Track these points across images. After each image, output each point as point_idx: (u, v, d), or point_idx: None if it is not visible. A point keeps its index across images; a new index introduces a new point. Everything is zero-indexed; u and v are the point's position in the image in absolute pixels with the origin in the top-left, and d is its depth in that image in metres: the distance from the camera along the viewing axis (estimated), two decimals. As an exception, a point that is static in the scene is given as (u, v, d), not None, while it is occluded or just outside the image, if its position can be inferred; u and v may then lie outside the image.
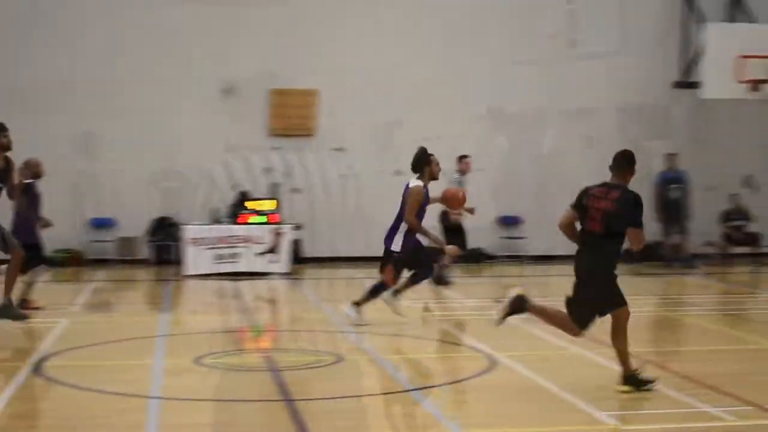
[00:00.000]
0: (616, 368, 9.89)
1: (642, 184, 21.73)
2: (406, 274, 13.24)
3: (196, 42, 21.64)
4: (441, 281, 16.88)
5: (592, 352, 11.27)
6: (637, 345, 11.94)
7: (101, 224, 21.39)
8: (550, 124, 22.66)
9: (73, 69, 21.31)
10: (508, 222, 22.50)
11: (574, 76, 22.81)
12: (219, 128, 21.64)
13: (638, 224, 9.08)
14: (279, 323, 14.80)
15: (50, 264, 16.12)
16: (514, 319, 13.61)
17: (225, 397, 9.07)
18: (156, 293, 18.01)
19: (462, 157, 18.36)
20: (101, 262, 21.10)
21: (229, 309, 15.42)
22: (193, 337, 12.56)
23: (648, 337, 13.13)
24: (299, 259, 20.93)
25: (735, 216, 22.42)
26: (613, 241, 9.13)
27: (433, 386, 9.49)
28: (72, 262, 20.75)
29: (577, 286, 9.40)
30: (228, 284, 18.14)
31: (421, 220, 13.11)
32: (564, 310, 9.50)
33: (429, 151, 13.48)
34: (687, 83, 22.73)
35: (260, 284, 18.47)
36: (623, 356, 9.32)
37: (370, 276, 19.31)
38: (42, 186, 14.72)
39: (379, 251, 21.68)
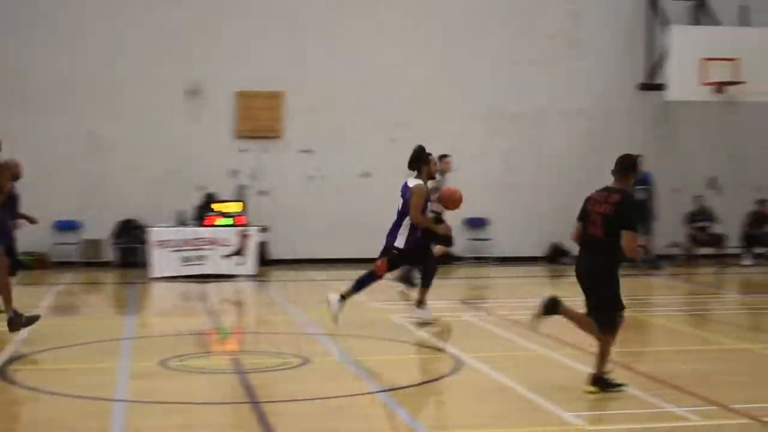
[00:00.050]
0: (583, 369, 9.92)
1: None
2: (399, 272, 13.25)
3: (161, 43, 21.57)
4: (408, 281, 16.88)
5: (558, 353, 11.30)
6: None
7: (66, 227, 21.26)
8: (515, 125, 22.69)
9: (36, 66, 21.20)
10: (475, 224, 22.53)
11: (539, 77, 22.88)
12: (184, 130, 21.57)
13: (632, 227, 9.06)
14: (245, 325, 14.76)
15: (23, 268, 15.99)
16: (480, 321, 13.68)
17: (191, 400, 9.02)
18: (121, 296, 17.92)
19: (442, 157, 18.36)
20: (66, 265, 20.96)
21: (195, 311, 15.36)
22: (158, 340, 12.51)
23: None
24: (266, 261, 20.89)
25: (700, 217, 22.56)
26: (613, 244, 9.11)
27: (400, 388, 9.48)
28: (37, 265, 20.60)
29: (588, 294, 9.38)
30: (194, 287, 18.07)
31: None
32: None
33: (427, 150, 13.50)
34: (652, 85, 22.85)
35: (226, 287, 18.41)
36: (602, 358, 9.30)
37: (337, 278, 19.35)
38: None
39: (347, 253, 21.88)
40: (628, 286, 19.08)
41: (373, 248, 21.76)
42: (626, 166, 9.48)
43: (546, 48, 22.99)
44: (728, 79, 21.44)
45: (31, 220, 14.93)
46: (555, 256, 22.65)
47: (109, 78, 21.38)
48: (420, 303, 13.57)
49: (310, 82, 21.94)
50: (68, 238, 21.28)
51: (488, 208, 22.30)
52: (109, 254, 21.42)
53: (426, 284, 13.57)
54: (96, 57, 21.43)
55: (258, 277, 19.36)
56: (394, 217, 13.35)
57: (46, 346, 11.61)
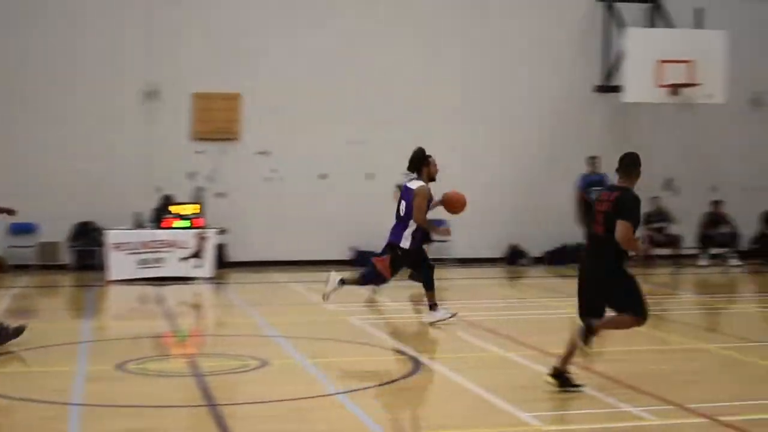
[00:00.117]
0: (539, 369, 9.98)
1: (565, 186, 22.08)
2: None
3: (118, 45, 21.45)
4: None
5: (516, 354, 11.35)
6: (559, 346, 12.06)
7: (22, 229, 21.08)
8: (471, 127, 22.74)
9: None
10: (435, 225, 22.51)
11: (496, 79, 22.97)
12: (141, 132, 21.48)
13: (626, 218, 9.15)
14: (203, 328, 14.70)
15: None
16: (438, 322, 13.69)
17: (148, 403, 8.98)
18: (78, 299, 17.80)
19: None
20: (22, 268, 20.79)
21: (153, 314, 15.28)
22: (116, 343, 12.43)
23: (571, 339, 13.23)
24: (224, 263, 20.83)
25: (656, 218, 22.70)
26: (614, 241, 9.21)
27: (359, 389, 9.49)
28: (-8, 268, 20.45)
29: (605, 292, 9.40)
30: (152, 289, 17.98)
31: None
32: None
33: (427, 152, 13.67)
34: (608, 87, 23.00)
35: (184, 289, 18.34)
36: (569, 352, 9.36)
37: (296, 280, 19.35)
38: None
39: (305, 255, 21.86)
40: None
41: (332, 249, 22.10)
42: (627, 163, 9.59)
43: (503, 51, 23.07)
44: (683, 81, 21.63)
45: (9, 212, 14.46)
46: (513, 257, 22.74)
47: (67, 80, 21.24)
48: (432, 306, 13.56)
49: (267, 84, 21.91)
50: (24, 241, 21.11)
51: (444, 210, 22.36)
52: (66, 257, 21.27)
53: (431, 287, 13.61)
54: (54, 59, 21.26)
55: (216, 280, 19.30)
56: (394, 219, 13.52)
57: (2, 350, 11.51)
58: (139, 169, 21.33)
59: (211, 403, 8.91)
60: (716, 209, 22.86)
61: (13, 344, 11.72)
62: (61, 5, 21.40)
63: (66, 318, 15.73)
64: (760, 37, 24.19)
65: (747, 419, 8.39)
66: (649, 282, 20.09)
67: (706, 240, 22.65)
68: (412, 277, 15.19)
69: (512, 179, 22.35)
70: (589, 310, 9.39)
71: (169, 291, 17.82)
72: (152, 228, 19.67)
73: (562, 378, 9.34)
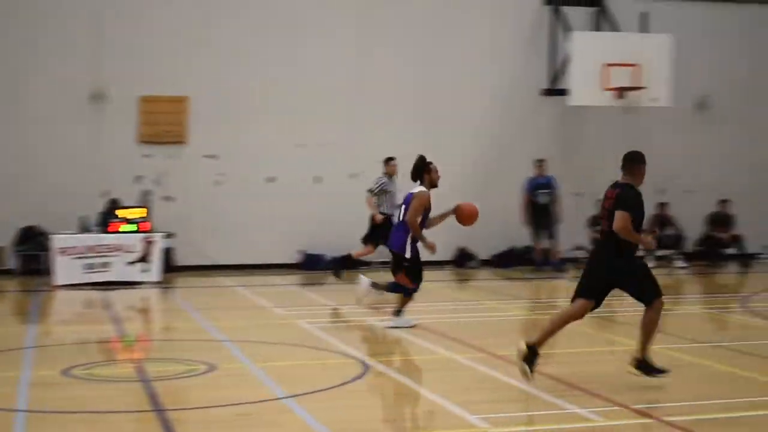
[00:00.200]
0: (487, 371, 10.02)
1: (512, 189, 22.19)
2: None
3: (64, 47, 21.27)
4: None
5: (463, 356, 11.38)
6: (508, 348, 12.11)
7: (-34, 234, 20.85)
8: (418, 129, 22.77)
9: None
10: (381, 228, 22.54)
11: (444, 82, 23.03)
12: (87, 135, 21.31)
13: (623, 209, 9.59)
14: (150, 333, 14.61)
15: None
16: (384, 325, 13.71)
17: (94, 409, 8.91)
18: (24, 304, 17.61)
19: (388, 160, 18.38)
20: (-34, 273, 20.57)
21: (100, 319, 15.16)
22: (62, 348, 12.33)
23: (519, 340, 13.29)
24: (171, 267, 20.70)
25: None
26: (615, 235, 9.63)
27: (307, 393, 9.47)
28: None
29: (621, 287, 9.91)
30: (98, 294, 17.84)
31: (422, 227, 13.43)
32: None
33: (427, 160, 13.77)
34: (555, 90, 23.13)
35: (131, 294, 18.21)
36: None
37: (243, 284, 19.28)
38: None
39: (253, 258, 21.80)
40: (533, 289, 19.36)
41: (280, 252, 22.03)
42: (628, 159, 10.03)
43: (451, 54, 23.14)
44: (629, 85, 21.80)
45: None
46: (461, 260, 22.81)
47: (12, 82, 21.04)
48: (398, 312, 13.60)
49: (215, 87, 21.81)
50: (-32, 246, 20.89)
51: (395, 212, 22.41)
52: (11, 262, 21.04)
53: (408, 294, 13.71)
54: (0, 61, 21.07)
55: (163, 284, 19.18)
56: (397, 225, 13.66)
57: (-55, 356, 11.39)
58: (85, 173, 21.16)
59: (158, 408, 8.85)
60: (662, 211, 23.07)
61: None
62: (8, 6, 21.18)
63: (11, 323, 15.56)
64: (705, 40, 24.44)
65: (693, 419, 8.48)
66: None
67: (652, 242, 22.81)
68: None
69: (459, 182, 22.34)
70: (585, 293, 9.85)
71: (116, 295, 17.70)
72: (99, 232, 19.52)
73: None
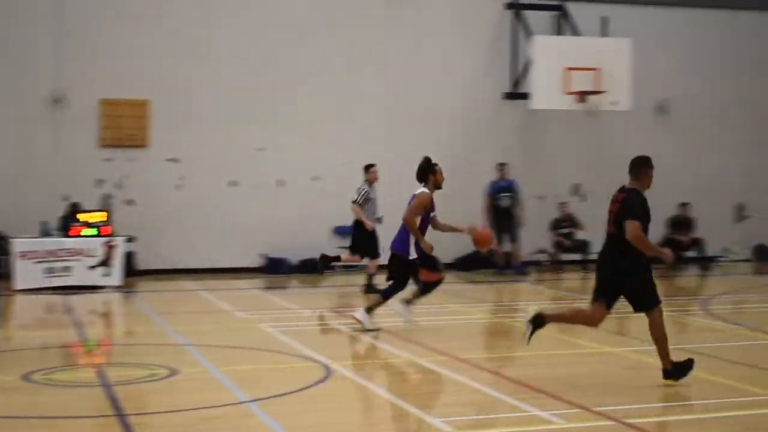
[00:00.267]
0: (449, 374, 10.03)
1: (474, 192, 22.23)
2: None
3: (25, 51, 21.13)
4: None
5: (425, 359, 11.39)
6: (471, 352, 12.15)
7: (-76, 239, 20.66)
8: (381, 133, 22.78)
9: None
10: (344, 231, 22.51)
11: (406, 86, 23.05)
12: (48, 138, 21.18)
13: (631, 217, 9.68)
14: (112, 337, 14.52)
15: None
16: (349, 329, 13.74)
17: (55, 414, 8.86)
18: (-17, 309, 17.47)
19: (368, 167, 18.32)
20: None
21: (61, 324, 15.06)
22: (22, 353, 12.23)
23: (482, 344, 13.34)
24: (133, 271, 20.59)
25: (564, 224, 22.97)
26: (624, 239, 9.72)
27: (270, 397, 9.45)
28: None
29: (616, 289, 10.02)
30: (59, 298, 17.73)
31: (423, 230, 13.58)
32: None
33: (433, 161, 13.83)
34: (517, 94, 23.22)
35: (92, 298, 18.10)
36: (562, 317, 10.39)
37: (205, 288, 19.21)
38: None
39: (215, 262, 21.72)
40: (495, 292, 19.41)
41: (242, 256, 21.98)
42: (635, 164, 10.07)
43: (413, 58, 23.18)
44: (590, 89, 21.91)
45: None
46: (424, 263, 22.81)
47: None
48: (370, 310, 13.65)
49: (176, 90, 21.73)
50: (-73, 251, 20.68)
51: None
52: (-30, 266, 20.87)
53: (387, 297, 13.76)
54: None
55: (124, 288, 19.08)
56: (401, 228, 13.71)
57: None
58: (45, 177, 21.03)
59: (119, 413, 8.81)
60: (622, 214, 23.14)
61: None
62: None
63: (-30, 328, 15.43)
64: (664, 45, 24.62)
65: (654, 421, 8.53)
66: (558, 287, 20.35)
67: (613, 245, 22.90)
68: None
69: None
70: (598, 295, 10.04)
71: (77, 300, 17.59)
72: (59, 236, 19.39)
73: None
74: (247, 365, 11.35)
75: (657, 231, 23.87)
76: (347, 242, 21.96)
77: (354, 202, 17.96)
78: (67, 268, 19.00)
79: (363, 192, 17.90)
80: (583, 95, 21.91)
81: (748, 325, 14.45)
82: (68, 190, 20.83)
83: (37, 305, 17.24)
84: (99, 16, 21.52)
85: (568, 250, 22.93)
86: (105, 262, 19.16)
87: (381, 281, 17.40)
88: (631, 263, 9.81)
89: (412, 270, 13.66)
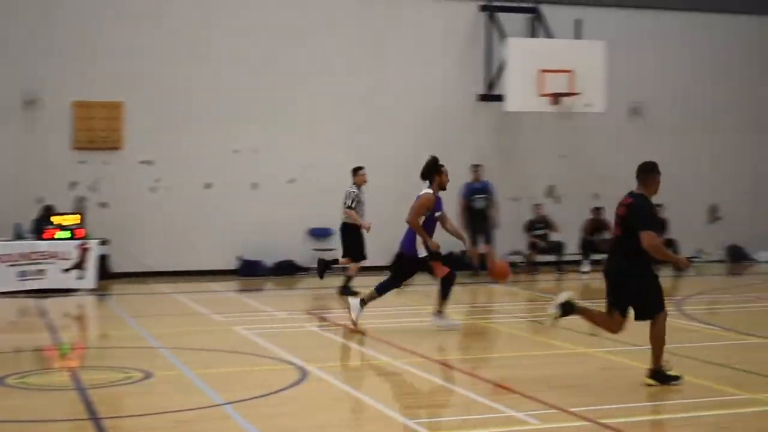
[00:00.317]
0: (425, 376, 10.04)
1: (449, 194, 22.22)
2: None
3: (-4, 53, 21.08)
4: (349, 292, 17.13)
5: (401, 361, 11.40)
6: (446, 353, 12.16)
7: None
8: (355, 135, 22.78)
9: None
10: (319, 234, 22.55)
11: (380, 88, 23.06)
12: (21, 141, 21.07)
13: (645, 227, 9.64)
14: (86, 340, 14.47)
15: None
16: (324, 331, 13.73)
17: (30, 418, 8.81)
18: (-44, 312, 17.37)
19: (357, 170, 18.27)
20: None
21: (35, 327, 14.99)
22: (-5, 357, 12.18)
23: (457, 345, 13.35)
24: (107, 274, 20.51)
25: (539, 225, 23.02)
26: (630, 242, 9.72)
27: (245, 400, 9.44)
28: None
29: (622, 292, 9.97)
30: (33, 302, 17.64)
31: (430, 229, 13.80)
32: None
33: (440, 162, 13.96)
34: (491, 96, 23.26)
35: (66, 301, 18.03)
36: (585, 312, 10.23)
37: (180, 290, 19.16)
38: None
39: (190, 265, 21.65)
40: (470, 293, 19.43)
41: (218, 259, 21.93)
42: (642, 169, 10.05)
43: (388, 59, 23.19)
44: (564, 91, 21.98)
45: None
46: (399, 265, 22.81)
47: None
48: (363, 302, 13.76)
49: (150, 92, 21.67)
50: None
51: (332, 218, 22.34)
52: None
53: (381, 292, 13.93)
54: None
55: (99, 291, 19.02)
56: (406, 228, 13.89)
57: None
58: (19, 179, 20.92)
59: (94, 417, 8.77)
60: (597, 216, 23.24)
61: None
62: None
63: (-57, 332, 15.34)
64: (638, 47, 24.74)
65: (629, 422, 8.56)
66: (533, 288, 20.39)
67: (587, 246, 23.01)
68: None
69: (396, 187, 22.33)
70: (611, 303, 10.02)
71: (51, 303, 17.51)
72: (33, 239, 19.31)
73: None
74: (223, 368, 11.32)
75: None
76: (322, 244, 22.01)
77: (348, 207, 17.91)
78: (40, 271, 18.92)
79: (353, 196, 17.89)
80: (557, 97, 21.99)
81: (721, 325, 14.51)
82: (42, 192, 20.74)
83: (10, 308, 17.15)
84: (72, 17, 21.44)
85: (543, 252, 23.00)
86: (79, 265, 19.09)
87: (359, 283, 17.47)
88: (637, 266, 9.79)
89: (423, 268, 13.67)
